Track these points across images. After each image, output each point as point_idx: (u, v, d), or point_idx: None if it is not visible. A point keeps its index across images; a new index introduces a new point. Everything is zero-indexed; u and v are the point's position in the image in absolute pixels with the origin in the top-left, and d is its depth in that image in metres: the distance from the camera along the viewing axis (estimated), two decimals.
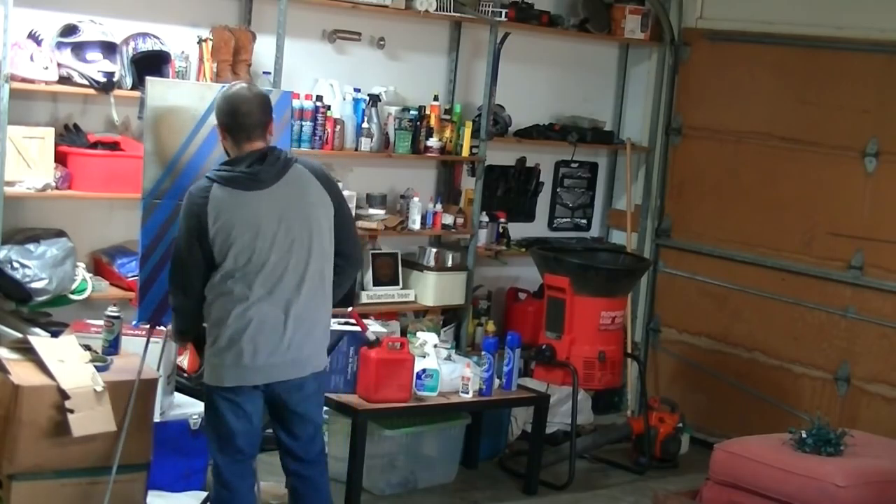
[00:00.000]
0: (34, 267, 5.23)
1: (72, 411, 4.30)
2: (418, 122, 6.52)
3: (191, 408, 5.38)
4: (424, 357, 5.72)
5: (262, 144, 4.24)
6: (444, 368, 5.74)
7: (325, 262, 4.30)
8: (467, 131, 6.72)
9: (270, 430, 4.54)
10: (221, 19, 5.89)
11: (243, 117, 4.20)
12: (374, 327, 5.70)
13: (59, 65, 5.29)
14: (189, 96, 4.51)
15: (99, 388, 4.37)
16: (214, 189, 4.15)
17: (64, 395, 4.31)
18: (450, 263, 6.78)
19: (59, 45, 5.30)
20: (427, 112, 6.59)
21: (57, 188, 5.33)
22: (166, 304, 4.48)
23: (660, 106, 7.53)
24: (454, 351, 6.19)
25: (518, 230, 7.31)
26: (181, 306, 4.32)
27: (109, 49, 5.40)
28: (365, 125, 6.28)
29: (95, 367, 4.47)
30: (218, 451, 4.33)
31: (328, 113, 6.16)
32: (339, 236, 4.35)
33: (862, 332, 6.55)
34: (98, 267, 5.71)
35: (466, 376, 5.77)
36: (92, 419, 4.35)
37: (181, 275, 4.25)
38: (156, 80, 4.59)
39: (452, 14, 6.56)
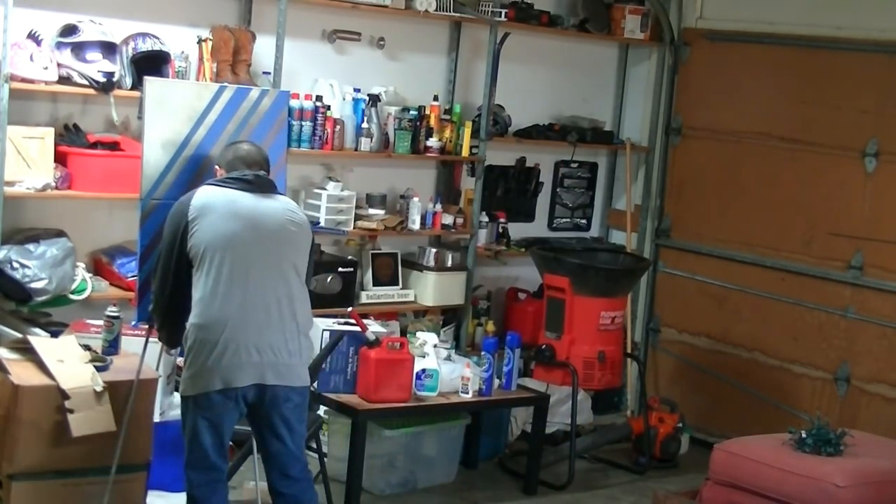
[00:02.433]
0: (34, 267, 5.23)
1: (72, 411, 4.30)
2: (418, 122, 6.52)
3: None
4: (424, 357, 5.72)
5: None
6: (443, 368, 5.75)
7: (300, 279, 4.34)
8: (467, 131, 6.72)
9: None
10: (221, 19, 5.89)
11: (246, 154, 4.39)
12: (373, 327, 5.70)
13: (59, 65, 5.29)
14: (187, 96, 4.51)
15: (99, 388, 4.37)
16: (202, 189, 4.26)
17: (64, 395, 4.31)
18: (449, 263, 6.78)
19: (59, 45, 5.30)
20: (427, 112, 6.58)
21: (57, 188, 5.33)
22: None
23: (659, 106, 7.54)
24: (454, 351, 6.19)
25: (518, 230, 7.31)
26: (164, 312, 4.34)
27: (109, 49, 5.40)
28: (365, 125, 6.28)
29: (95, 367, 4.47)
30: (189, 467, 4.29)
31: (328, 113, 6.16)
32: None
33: (862, 332, 6.55)
34: (98, 267, 5.71)
35: (466, 376, 5.77)
36: (92, 419, 4.35)
37: (165, 279, 4.26)
38: (154, 80, 4.59)
39: (452, 14, 6.56)
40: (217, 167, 4.40)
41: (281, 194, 4.43)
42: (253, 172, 4.34)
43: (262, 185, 4.34)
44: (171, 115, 4.44)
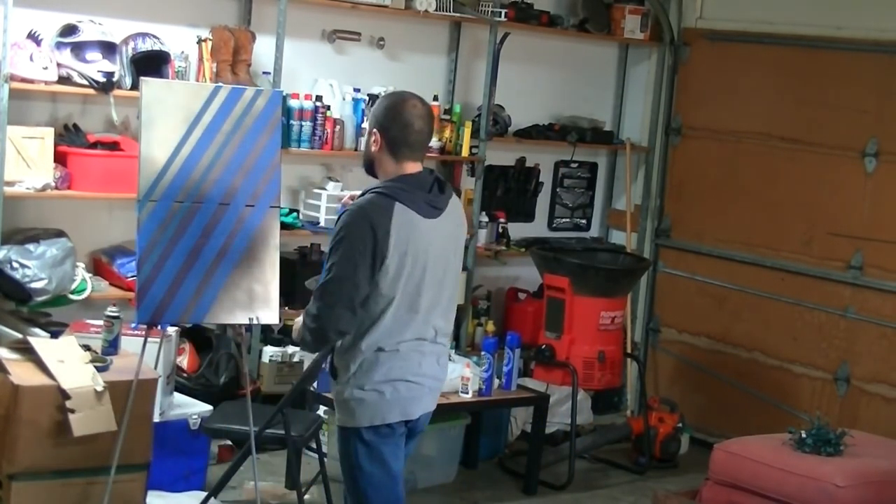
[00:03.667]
0: (34, 267, 5.23)
1: (73, 411, 4.30)
2: None
3: (191, 408, 5.39)
4: None
5: (419, 166, 3.85)
6: None
7: (454, 299, 4.01)
8: (467, 131, 6.72)
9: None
10: (221, 19, 5.89)
11: (417, 134, 3.79)
12: None
13: (59, 65, 5.29)
14: (184, 96, 4.49)
15: (99, 388, 4.37)
16: (398, 208, 3.68)
17: (65, 395, 4.31)
18: None
19: (59, 45, 5.31)
20: None
21: (56, 188, 5.33)
22: (165, 304, 4.45)
23: (659, 106, 7.54)
24: (454, 351, 6.19)
25: (518, 230, 7.31)
26: (339, 328, 3.71)
27: (109, 49, 5.40)
28: (365, 125, 6.28)
29: (95, 367, 4.47)
30: None
31: (328, 113, 6.16)
32: None
33: (861, 332, 6.55)
34: (98, 267, 5.71)
35: (466, 376, 5.76)
36: (93, 419, 4.35)
37: (348, 293, 3.64)
38: (150, 81, 4.56)
39: (452, 14, 6.56)
40: (376, 132, 3.81)
41: (450, 190, 3.91)
42: (435, 194, 3.80)
43: (441, 205, 3.82)
44: (167, 116, 4.42)
